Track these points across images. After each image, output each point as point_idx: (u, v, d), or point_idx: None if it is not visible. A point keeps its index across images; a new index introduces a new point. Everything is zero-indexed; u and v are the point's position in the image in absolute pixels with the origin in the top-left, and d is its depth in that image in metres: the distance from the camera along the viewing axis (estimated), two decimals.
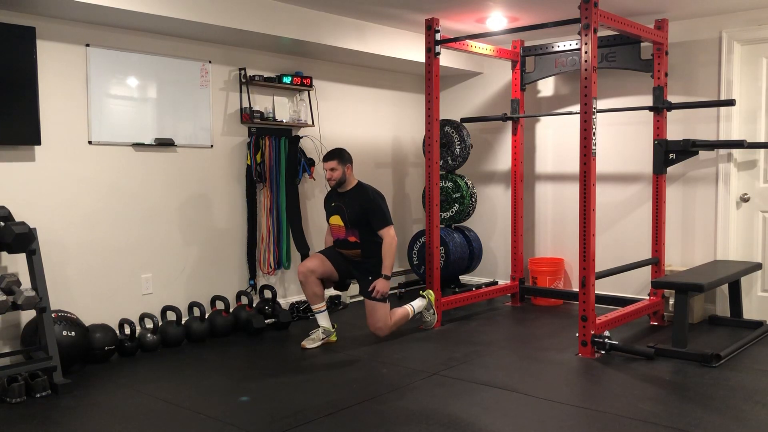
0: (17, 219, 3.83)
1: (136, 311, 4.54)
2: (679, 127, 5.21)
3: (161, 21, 4.23)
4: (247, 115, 5.10)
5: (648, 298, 5.10)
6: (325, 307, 4.59)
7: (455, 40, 4.96)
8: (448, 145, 5.95)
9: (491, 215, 6.46)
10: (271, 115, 5.24)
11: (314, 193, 5.71)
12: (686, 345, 4.18)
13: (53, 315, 3.84)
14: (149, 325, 4.49)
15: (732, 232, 5.10)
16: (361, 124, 6.13)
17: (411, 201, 6.71)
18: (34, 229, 3.79)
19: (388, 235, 4.48)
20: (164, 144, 4.67)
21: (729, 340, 4.46)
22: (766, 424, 3.10)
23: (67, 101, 4.20)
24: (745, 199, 5.08)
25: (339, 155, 4.52)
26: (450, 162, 5.96)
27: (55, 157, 4.16)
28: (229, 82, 5.08)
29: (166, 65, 4.69)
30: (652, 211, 5.12)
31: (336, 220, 4.58)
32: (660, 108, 4.99)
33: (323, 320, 4.57)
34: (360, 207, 4.48)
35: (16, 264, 3.98)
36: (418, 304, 4.84)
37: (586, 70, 4.11)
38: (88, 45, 4.28)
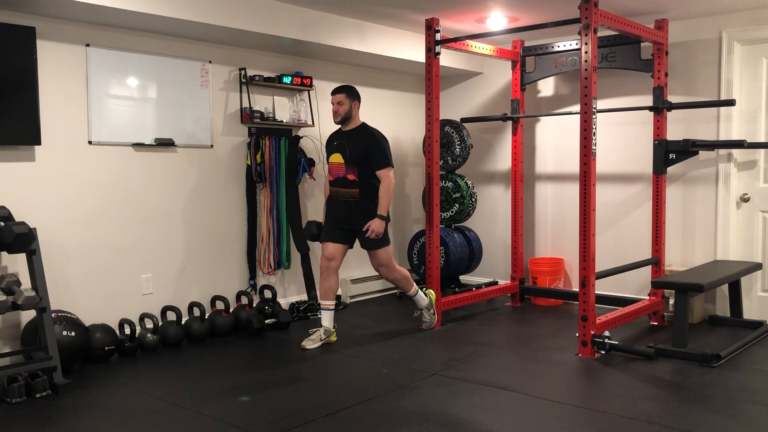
0: (17, 219, 3.83)
1: (136, 311, 4.54)
2: (679, 127, 5.21)
3: (161, 21, 4.24)
4: (247, 115, 5.10)
5: (648, 298, 5.10)
6: (333, 306, 4.58)
7: (455, 40, 4.96)
8: (448, 145, 5.95)
9: (491, 215, 6.46)
10: (271, 115, 5.24)
11: (314, 193, 5.71)
12: (686, 345, 4.17)
13: (53, 315, 3.84)
14: (149, 325, 4.49)
15: (732, 232, 5.10)
16: None
17: (411, 201, 6.71)
18: (34, 229, 3.79)
19: (387, 176, 4.45)
20: (164, 144, 4.67)
21: (729, 340, 4.46)
22: (766, 424, 3.10)
23: (67, 101, 4.20)
24: (745, 199, 5.08)
25: (348, 89, 4.50)
26: (450, 162, 5.96)
27: (55, 157, 4.16)
28: (229, 82, 5.08)
29: (166, 65, 4.69)
30: (652, 211, 5.12)
31: (336, 158, 4.53)
32: (660, 108, 4.99)
33: (327, 319, 4.56)
34: (363, 145, 4.44)
35: (16, 264, 3.98)
36: (420, 295, 4.84)
37: (586, 70, 4.11)
38: (88, 45, 4.28)
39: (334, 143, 4.59)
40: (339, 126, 4.62)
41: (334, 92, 4.53)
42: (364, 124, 4.58)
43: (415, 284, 4.82)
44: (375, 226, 4.43)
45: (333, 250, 4.56)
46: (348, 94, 4.50)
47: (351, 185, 4.49)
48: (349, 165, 4.47)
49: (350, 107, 4.50)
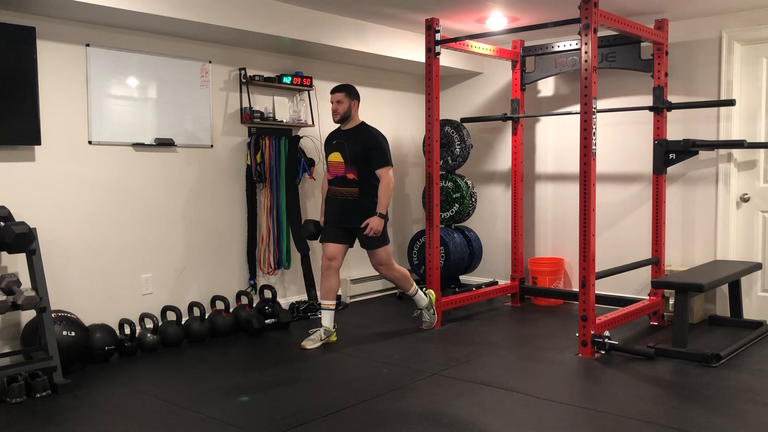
0: (17, 219, 3.83)
1: (136, 311, 4.54)
2: (679, 127, 5.21)
3: (161, 21, 4.24)
4: (247, 115, 5.10)
5: (648, 298, 5.10)
6: (333, 306, 4.57)
7: (455, 40, 4.96)
8: (448, 145, 5.95)
9: (491, 215, 6.46)
10: (271, 115, 5.24)
11: (314, 193, 5.71)
12: (686, 345, 4.17)
13: (53, 315, 3.84)
14: (149, 325, 4.49)
15: (732, 232, 5.10)
16: None
17: (411, 201, 6.71)
18: (34, 229, 3.79)
19: (387, 175, 4.46)
20: (164, 144, 4.67)
21: (729, 340, 4.46)
22: (766, 424, 3.10)
23: (67, 101, 4.20)
24: (745, 199, 5.08)
25: (347, 88, 4.52)
26: (450, 162, 5.96)
27: (55, 157, 4.16)
28: (229, 82, 5.08)
29: (166, 65, 4.69)
30: (652, 211, 5.12)
31: (336, 156, 4.54)
32: (660, 108, 4.99)
33: (327, 319, 4.55)
34: (362, 144, 4.46)
35: (16, 264, 3.98)
36: (420, 294, 4.84)
37: (586, 70, 4.11)
38: (88, 45, 4.28)
39: (333, 142, 4.61)
40: (338, 125, 4.62)
41: (333, 91, 4.54)
42: (363, 123, 4.59)
43: (414, 284, 4.82)
44: (374, 224, 4.43)
45: (334, 251, 4.56)
46: (347, 93, 4.51)
47: (350, 184, 4.50)
48: (348, 164, 4.48)
49: (349, 106, 4.51)
